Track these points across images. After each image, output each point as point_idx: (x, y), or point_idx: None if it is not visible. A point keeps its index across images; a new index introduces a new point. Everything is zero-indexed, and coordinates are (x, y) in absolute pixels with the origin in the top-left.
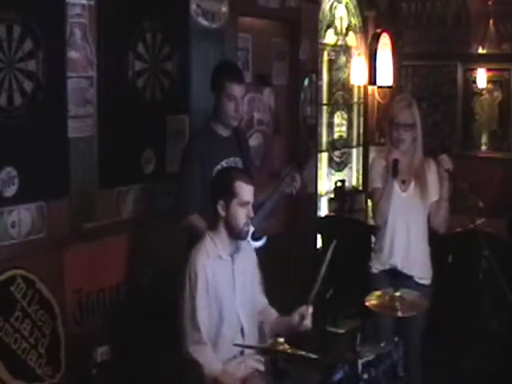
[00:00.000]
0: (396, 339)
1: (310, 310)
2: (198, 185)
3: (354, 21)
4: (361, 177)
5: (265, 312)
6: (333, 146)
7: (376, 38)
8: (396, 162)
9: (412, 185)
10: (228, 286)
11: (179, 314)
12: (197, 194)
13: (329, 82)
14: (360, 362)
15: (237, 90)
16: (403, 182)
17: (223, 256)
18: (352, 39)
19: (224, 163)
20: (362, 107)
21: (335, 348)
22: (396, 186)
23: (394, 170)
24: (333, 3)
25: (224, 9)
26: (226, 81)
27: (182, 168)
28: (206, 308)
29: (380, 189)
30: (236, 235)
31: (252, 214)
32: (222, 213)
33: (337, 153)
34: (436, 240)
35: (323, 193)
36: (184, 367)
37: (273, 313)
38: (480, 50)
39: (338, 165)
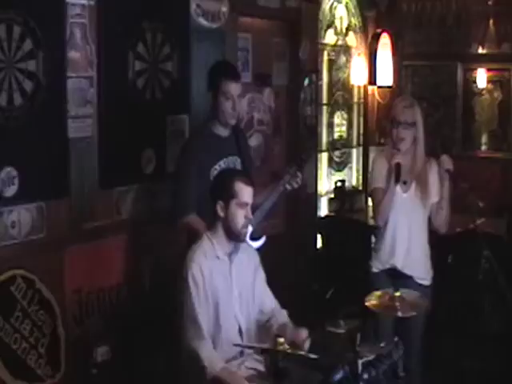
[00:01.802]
0: (396, 339)
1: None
2: (195, 185)
3: (354, 21)
4: (361, 177)
5: (274, 313)
6: (333, 145)
7: (376, 38)
8: (398, 166)
9: (413, 185)
10: (225, 285)
11: (179, 313)
12: (194, 194)
13: (329, 82)
14: (360, 361)
15: (233, 88)
16: (404, 182)
17: (220, 256)
18: (352, 39)
19: (222, 163)
20: (362, 107)
21: (335, 348)
22: (397, 187)
23: (396, 174)
24: (333, 3)
25: (224, 9)
26: (222, 79)
27: (178, 168)
28: (205, 306)
29: (381, 189)
30: (234, 236)
31: (251, 216)
32: (221, 213)
33: (337, 153)
34: (436, 240)
35: (323, 193)
36: (184, 368)
37: (283, 315)
38: (480, 50)
39: (337, 165)
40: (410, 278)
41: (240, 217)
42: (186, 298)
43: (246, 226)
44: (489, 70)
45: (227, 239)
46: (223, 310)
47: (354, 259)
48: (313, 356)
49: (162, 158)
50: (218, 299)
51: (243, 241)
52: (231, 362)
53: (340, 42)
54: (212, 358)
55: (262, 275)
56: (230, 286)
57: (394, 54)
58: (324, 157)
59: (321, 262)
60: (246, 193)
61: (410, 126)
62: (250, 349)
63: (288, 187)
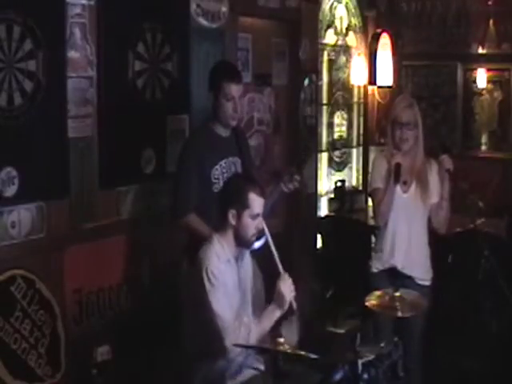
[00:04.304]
0: (396, 339)
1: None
2: (195, 185)
3: (354, 21)
4: (361, 177)
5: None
6: (333, 146)
7: (376, 38)
8: (398, 166)
9: (413, 186)
10: (234, 289)
11: (194, 313)
12: (194, 194)
13: (329, 82)
14: (360, 361)
15: (235, 89)
16: (405, 182)
17: (231, 260)
18: (352, 39)
19: (223, 163)
20: (362, 107)
21: (335, 348)
22: (397, 187)
23: (396, 174)
24: (333, 3)
25: (224, 9)
26: (224, 81)
27: (179, 168)
28: (225, 299)
29: (381, 189)
30: (243, 244)
31: (261, 226)
32: (233, 221)
33: (337, 153)
34: (436, 240)
35: (323, 193)
36: (187, 366)
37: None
38: (480, 50)
39: (337, 165)
40: (410, 278)
41: (251, 228)
42: (205, 295)
43: (255, 235)
44: (489, 70)
45: (235, 245)
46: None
47: (354, 259)
48: (313, 356)
49: (161, 158)
50: (230, 302)
51: (250, 248)
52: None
53: (340, 42)
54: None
55: (259, 282)
56: (238, 290)
57: (393, 54)
58: (324, 157)
59: (321, 262)
60: (258, 204)
61: (413, 126)
62: (250, 349)
63: (285, 189)
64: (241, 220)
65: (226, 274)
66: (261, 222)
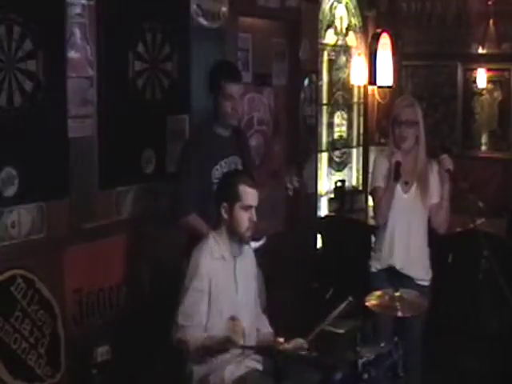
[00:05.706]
0: (396, 339)
1: (305, 345)
2: (196, 185)
3: (354, 21)
4: (361, 177)
5: (259, 320)
6: (333, 145)
7: (376, 38)
8: (398, 164)
9: (414, 186)
10: (230, 286)
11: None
12: (195, 194)
13: (329, 82)
14: (360, 361)
15: (234, 89)
16: (406, 183)
17: (226, 257)
18: (352, 39)
19: (223, 163)
20: (362, 107)
21: (335, 348)
22: (398, 187)
23: (396, 172)
24: (333, 3)
25: (224, 9)
26: (224, 81)
27: (179, 168)
28: (206, 300)
29: (381, 188)
30: (238, 238)
31: (255, 218)
32: (225, 216)
33: (337, 153)
34: (436, 240)
35: (323, 193)
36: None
37: (266, 325)
38: (480, 50)
39: (338, 165)
40: (409, 277)
41: (244, 219)
42: (187, 288)
43: (249, 229)
44: (489, 69)
45: (231, 240)
46: (227, 311)
47: (354, 259)
48: (313, 356)
49: (161, 158)
50: (223, 300)
51: (247, 242)
52: (231, 360)
53: (340, 42)
54: (197, 335)
55: (260, 281)
56: (235, 288)
57: (394, 54)
58: (324, 157)
59: (321, 262)
60: (250, 196)
61: (413, 124)
62: (249, 349)
63: (285, 190)
64: (233, 213)
65: (219, 270)
66: (254, 214)
